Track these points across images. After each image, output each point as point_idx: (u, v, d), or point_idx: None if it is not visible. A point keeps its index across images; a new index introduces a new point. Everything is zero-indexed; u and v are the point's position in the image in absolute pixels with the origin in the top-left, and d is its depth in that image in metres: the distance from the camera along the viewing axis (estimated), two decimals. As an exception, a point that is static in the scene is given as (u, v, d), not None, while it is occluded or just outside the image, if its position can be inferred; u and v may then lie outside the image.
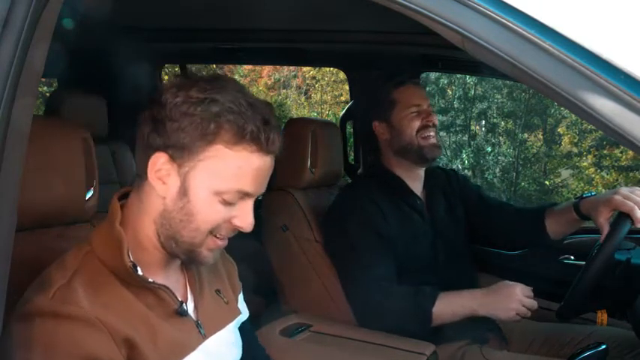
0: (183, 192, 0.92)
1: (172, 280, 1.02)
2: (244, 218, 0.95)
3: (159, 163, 0.92)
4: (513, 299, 1.55)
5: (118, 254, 0.93)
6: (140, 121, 0.95)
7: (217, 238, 0.96)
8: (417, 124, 1.78)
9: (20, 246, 0.88)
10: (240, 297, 1.20)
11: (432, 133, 1.78)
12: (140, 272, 0.94)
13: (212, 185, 0.92)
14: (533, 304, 1.56)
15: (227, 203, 0.93)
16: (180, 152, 0.91)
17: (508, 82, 6.87)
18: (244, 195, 0.94)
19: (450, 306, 1.61)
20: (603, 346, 1.38)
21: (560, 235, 1.79)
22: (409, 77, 1.85)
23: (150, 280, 0.95)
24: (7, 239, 0.84)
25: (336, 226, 1.79)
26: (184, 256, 0.98)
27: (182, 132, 0.90)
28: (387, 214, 1.73)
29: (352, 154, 2.77)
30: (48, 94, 3.08)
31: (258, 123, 0.91)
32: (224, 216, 0.94)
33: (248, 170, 0.92)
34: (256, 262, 2.05)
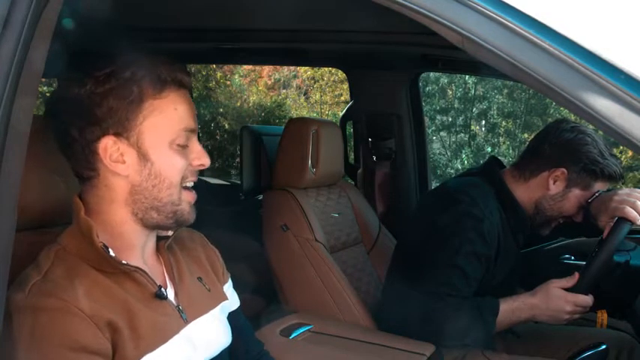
0: (144, 158, 0.97)
1: (149, 266, 1.03)
2: (200, 155, 1.02)
3: (109, 147, 0.96)
4: (567, 301, 1.52)
5: (89, 240, 0.94)
6: (62, 129, 0.98)
7: (188, 188, 1.02)
8: (574, 211, 1.68)
9: (20, 246, 0.89)
10: (227, 286, 1.20)
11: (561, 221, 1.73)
12: (112, 254, 0.95)
13: (163, 137, 0.98)
14: (587, 301, 1.53)
15: (181, 148, 0.99)
16: (121, 127, 0.96)
17: (508, 82, 6.87)
18: (190, 132, 1.01)
19: (509, 317, 1.57)
20: (603, 346, 1.38)
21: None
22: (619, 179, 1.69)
23: (123, 261, 0.96)
24: (7, 239, 0.84)
25: (439, 233, 1.63)
26: (170, 221, 1.01)
27: (112, 109, 0.95)
28: (501, 239, 1.65)
29: (352, 154, 2.77)
30: (48, 94, 3.07)
31: (165, 65, 0.98)
32: (184, 161, 1.00)
33: (182, 108, 1.00)
34: (256, 262, 2.05)
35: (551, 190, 1.66)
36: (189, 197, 1.02)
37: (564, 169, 1.63)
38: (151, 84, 0.97)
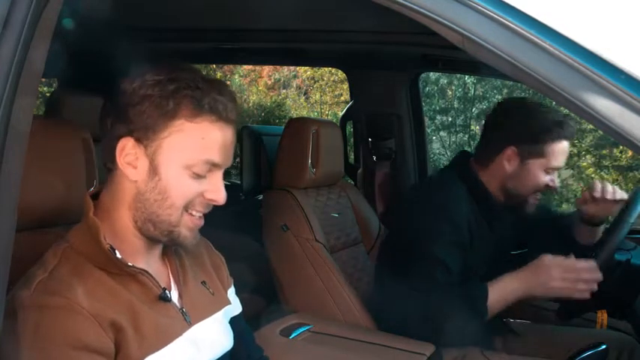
0: (154, 171, 0.96)
1: (154, 269, 1.03)
2: (216, 191, 0.98)
3: (126, 148, 0.96)
4: (557, 266, 1.50)
5: (95, 241, 0.95)
6: (102, 115, 1.00)
7: (193, 216, 0.99)
8: (544, 181, 1.68)
9: (20, 246, 0.88)
10: (231, 291, 1.20)
11: (540, 196, 1.73)
12: (119, 255, 0.96)
13: (180, 160, 0.96)
14: (582, 266, 1.48)
15: (197, 176, 0.96)
16: (144, 133, 0.95)
17: (508, 82, 6.87)
18: (212, 166, 0.97)
19: (503, 295, 1.56)
20: (603, 346, 1.38)
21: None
22: (570, 136, 1.68)
23: (129, 263, 0.96)
24: (7, 239, 0.84)
25: (415, 230, 1.67)
26: (165, 238, 1.00)
27: (144, 114, 0.94)
28: (473, 226, 1.68)
29: (352, 154, 2.77)
30: (48, 94, 3.07)
31: (215, 94, 0.96)
32: (196, 190, 0.97)
33: (212, 140, 0.96)
34: (256, 262, 2.05)
35: (507, 170, 1.68)
36: (191, 223, 0.99)
37: (513, 147, 1.66)
38: (190, 106, 0.94)
